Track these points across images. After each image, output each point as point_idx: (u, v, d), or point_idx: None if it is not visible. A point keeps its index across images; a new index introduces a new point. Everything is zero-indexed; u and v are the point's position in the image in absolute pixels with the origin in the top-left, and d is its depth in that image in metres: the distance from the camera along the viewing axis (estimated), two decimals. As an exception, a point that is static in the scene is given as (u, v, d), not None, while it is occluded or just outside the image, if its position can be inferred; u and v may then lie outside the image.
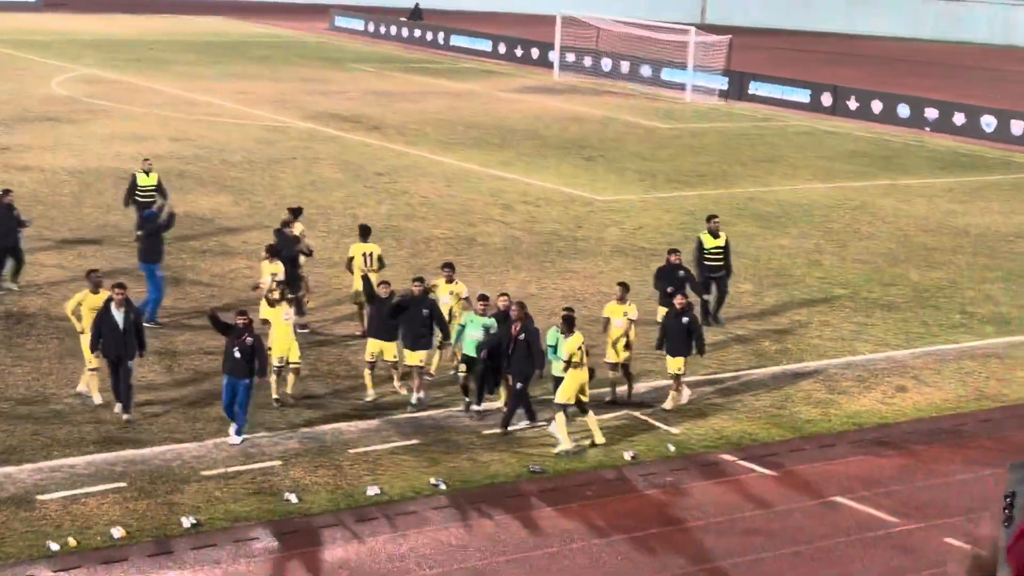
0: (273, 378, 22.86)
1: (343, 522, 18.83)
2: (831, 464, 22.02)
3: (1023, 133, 57.30)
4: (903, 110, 61.33)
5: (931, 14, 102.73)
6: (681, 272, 26.86)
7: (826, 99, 63.59)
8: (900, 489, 20.95)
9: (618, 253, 34.58)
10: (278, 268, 25.58)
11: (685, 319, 23.89)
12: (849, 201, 43.04)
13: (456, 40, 79.64)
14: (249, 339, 20.95)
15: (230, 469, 20.38)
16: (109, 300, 21.94)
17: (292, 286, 25.27)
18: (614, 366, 24.20)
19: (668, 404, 24.05)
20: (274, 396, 22.99)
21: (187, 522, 18.67)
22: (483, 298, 23.18)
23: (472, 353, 22.62)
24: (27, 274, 29.34)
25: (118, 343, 21.75)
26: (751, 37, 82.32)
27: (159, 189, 31.92)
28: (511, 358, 22.11)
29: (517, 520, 19.28)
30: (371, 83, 62.79)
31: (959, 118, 59.43)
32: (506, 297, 23.50)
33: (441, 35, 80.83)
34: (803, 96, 64.39)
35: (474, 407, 23.02)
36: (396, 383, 23.88)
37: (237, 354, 20.94)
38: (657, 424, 23.40)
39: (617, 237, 36.29)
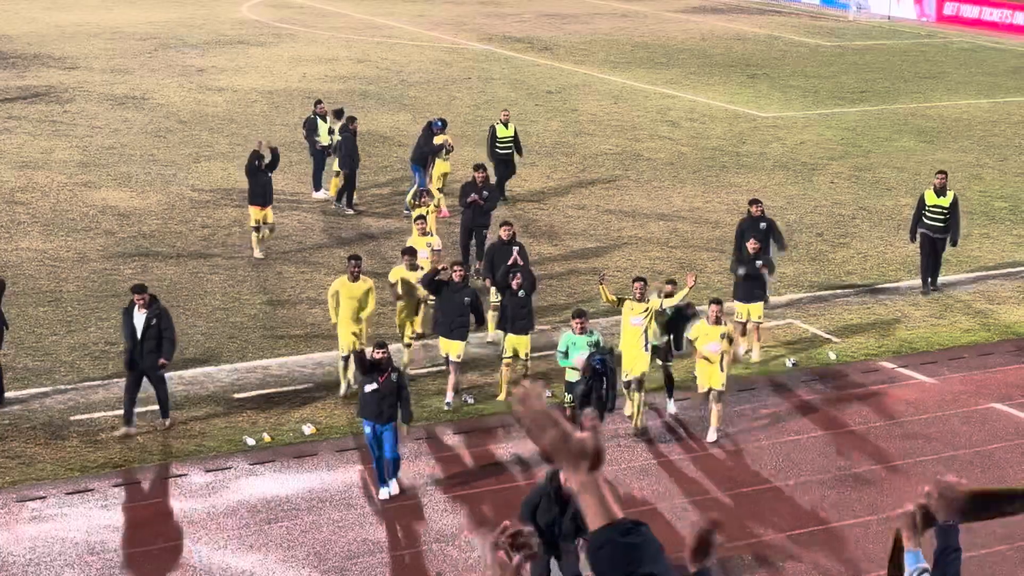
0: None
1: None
2: (988, 372, 21.70)
3: None
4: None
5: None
6: (763, 224, 23.22)
7: (991, 14, 61.55)
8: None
9: (780, 168, 34.20)
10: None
11: (758, 262, 21.70)
12: (1011, 116, 41.80)
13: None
14: (393, 375, 17.30)
15: (416, 371, 20.74)
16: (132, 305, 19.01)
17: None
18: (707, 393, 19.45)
19: (755, 355, 21.96)
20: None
21: (306, 429, 19.03)
22: (580, 315, 18.79)
23: (572, 378, 18.60)
24: (221, 188, 30.05)
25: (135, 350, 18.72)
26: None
27: (515, 141, 29.79)
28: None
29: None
30: (543, 6, 62.54)
31: None
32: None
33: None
34: (970, 12, 62.39)
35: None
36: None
37: (377, 394, 17.07)
38: (819, 332, 23.30)
39: (779, 152, 35.88)
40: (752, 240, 21.89)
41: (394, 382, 16.98)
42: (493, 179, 27.75)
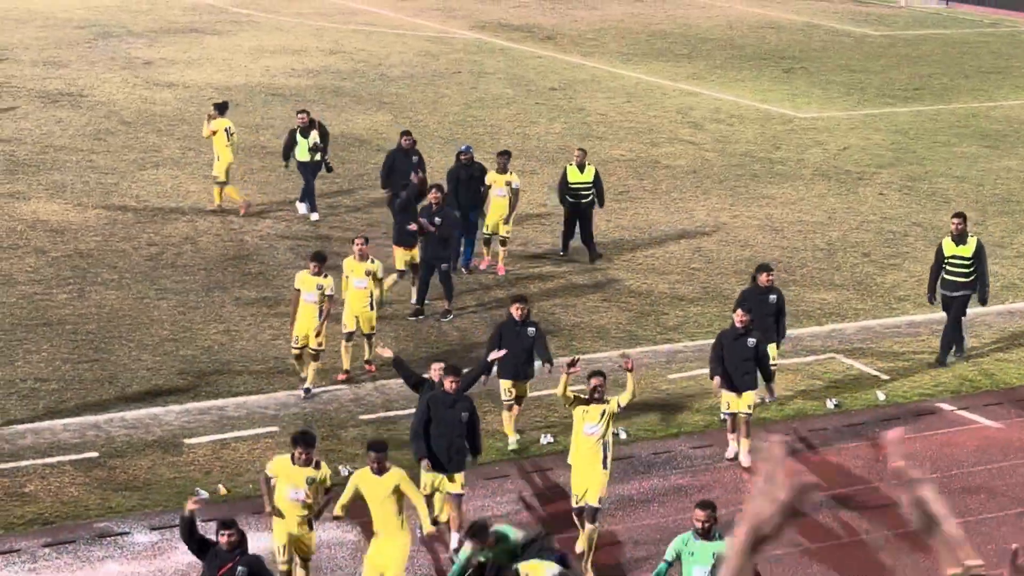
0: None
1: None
2: (1063, 415, 21.73)
3: None
4: None
5: None
6: (772, 297, 21.55)
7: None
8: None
9: (820, 176, 34.30)
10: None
11: (751, 340, 19.92)
12: (1090, 117, 41.99)
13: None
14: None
15: (390, 413, 20.78)
16: None
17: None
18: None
19: (744, 454, 19.92)
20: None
21: (345, 471, 19.11)
22: (707, 506, 14.92)
23: None
24: (171, 199, 30.11)
25: None
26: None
27: (596, 185, 27.66)
28: None
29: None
30: (544, -12, 62.85)
31: None
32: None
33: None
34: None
35: None
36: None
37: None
38: (865, 369, 23.32)
39: (820, 159, 35.97)
40: (740, 311, 20.16)
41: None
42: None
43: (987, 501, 18.96)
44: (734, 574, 3.98)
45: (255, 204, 30.21)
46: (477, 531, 14.96)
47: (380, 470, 16.04)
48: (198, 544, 14.85)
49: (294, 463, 15.95)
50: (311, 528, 16.22)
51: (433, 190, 24.63)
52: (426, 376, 18.50)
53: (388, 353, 19.08)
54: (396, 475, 16.14)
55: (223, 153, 29.50)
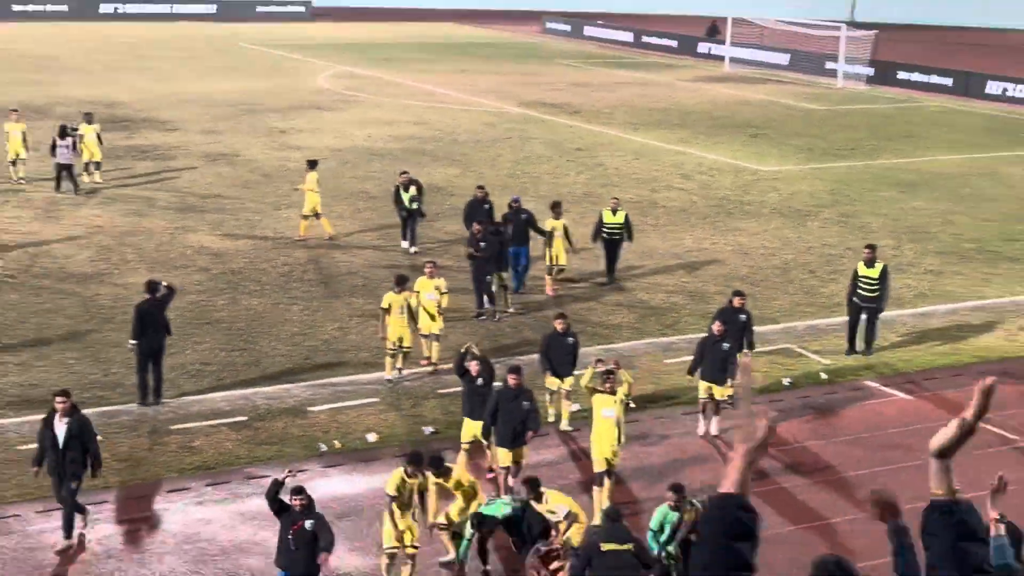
0: None
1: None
2: (960, 391, 21.54)
3: None
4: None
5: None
6: (743, 316, 21.04)
7: (962, 84, 61.28)
8: (1021, 412, 20.39)
9: (777, 214, 34.12)
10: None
11: (725, 345, 19.49)
12: (979, 170, 41.59)
13: (645, 39, 78.81)
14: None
15: (455, 389, 20.72)
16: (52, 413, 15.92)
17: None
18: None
19: (714, 427, 19.51)
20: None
21: (427, 430, 19.18)
22: (677, 489, 14.99)
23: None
24: (296, 227, 30.11)
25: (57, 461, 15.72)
26: (895, 32, 79.61)
27: (627, 226, 27.02)
28: None
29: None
30: (574, 76, 62.68)
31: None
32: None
33: (631, 35, 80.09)
34: (943, 80, 62.13)
35: None
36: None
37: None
38: (811, 356, 23.19)
39: (776, 201, 35.78)
40: (717, 323, 19.74)
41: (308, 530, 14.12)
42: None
43: (904, 454, 18.81)
44: (738, 484, 3.96)
45: (353, 233, 30.28)
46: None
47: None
48: (278, 504, 14.28)
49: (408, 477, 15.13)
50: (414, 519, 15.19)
51: (475, 224, 24.77)
52: (466, 366, 18.00)
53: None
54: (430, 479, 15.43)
55: (311, 197, 29.52)
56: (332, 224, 30.01)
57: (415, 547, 15.06)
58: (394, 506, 14.99)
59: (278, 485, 14.29)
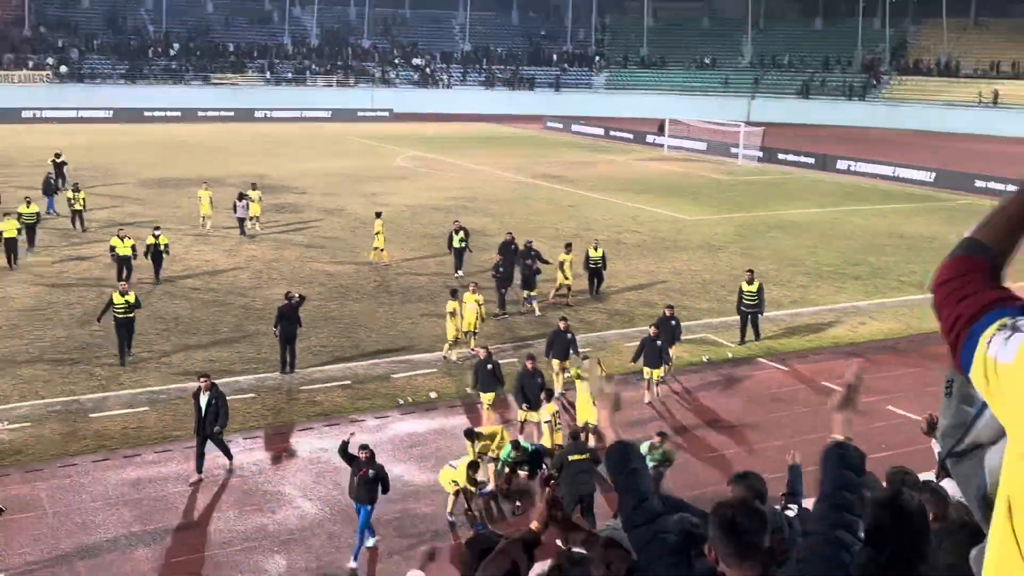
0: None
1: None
2: (819, 364, 21.55)
3: (934, 179, 53.97)
4: (867, 168, 58.44)
5: (880, 111, 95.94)
6: (673, 322, 20.15)
7: (821, 162, 61.04)
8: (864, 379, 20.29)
9: (701, 248, 34.03)
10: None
11: (658, 343, 18.82)
12: (833, 219, 41.43)
13: (612, 133, 78.64)
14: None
15: (503, 362, 20.66)
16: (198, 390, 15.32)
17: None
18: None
19: (653, 396, 18.91)
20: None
21: (471, 391, 19.13)
22: (661, 433, 14.45)
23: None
24: (381, 258, 30.05)
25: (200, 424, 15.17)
26: (777, 128, 79.13)
27: (603, 259, 26.27)
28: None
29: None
30: (568, 157, 62.57)
31: (904, 172, 56.40)
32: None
33: (603, 130, 79.99)
34: (809, 160, 61.89)
35: None
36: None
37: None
38: (722, 341, 23.18)
39: (700, 238, 35.72)
40: (653, 328, 18.99)
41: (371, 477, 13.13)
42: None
43: (784, 407, 18.83)
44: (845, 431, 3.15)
45: (421, 258, 30.26)
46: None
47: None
48: (349, 457, 13.42)
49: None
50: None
51: (497, 254, 24.90)
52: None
53: (481, 352, 18.40)
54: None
55: (378, 239, 29.58)
56: (391, 255, 29.90)
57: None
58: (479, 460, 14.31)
59: (345, 444, 13.57)
